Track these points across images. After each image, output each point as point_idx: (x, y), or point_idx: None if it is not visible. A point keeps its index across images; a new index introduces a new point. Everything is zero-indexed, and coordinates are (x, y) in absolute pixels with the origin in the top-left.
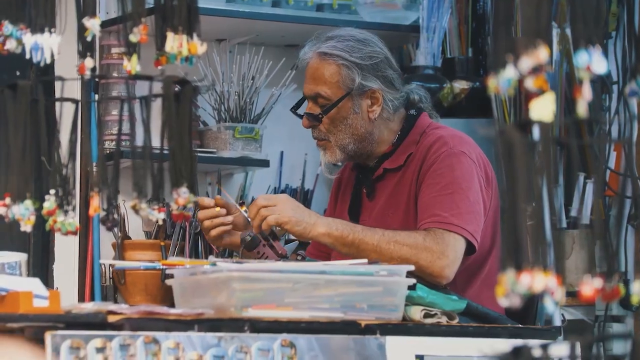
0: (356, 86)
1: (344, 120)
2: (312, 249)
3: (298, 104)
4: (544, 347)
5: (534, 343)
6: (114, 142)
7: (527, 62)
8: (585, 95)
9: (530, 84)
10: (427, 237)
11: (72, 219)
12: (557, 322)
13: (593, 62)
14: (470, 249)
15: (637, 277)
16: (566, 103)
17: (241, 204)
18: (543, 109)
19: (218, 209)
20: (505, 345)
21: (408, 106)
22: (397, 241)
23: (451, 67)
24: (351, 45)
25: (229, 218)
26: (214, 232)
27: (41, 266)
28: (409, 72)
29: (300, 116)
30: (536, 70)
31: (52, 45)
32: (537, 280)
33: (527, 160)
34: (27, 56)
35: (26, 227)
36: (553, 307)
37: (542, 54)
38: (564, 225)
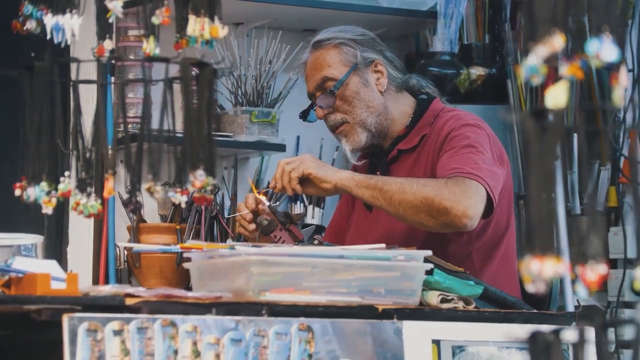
0: (359, 60)
1: (356, 95)
2: (327, 235)
3: (306, 111)
4: (556, 333)
5: (547, 328)
6: (130, 125)
7: (542, 51)
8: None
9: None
10: (449, 181)
11: (95, 202)
12: (571, 307)
13: (603, 49)
14: (488, 209)
15: (638, 263)
16: (581, 91)
17: (264, 193)
18: (558, 96)
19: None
20: (519, 330)
21: (416, 93)
22: (420, 183)
23: (468, 53)
24: (342, 28)
25: (250, 227)
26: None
27: (55, 249)
28: (425, 58)
29: (312, 113)
30: (551, 59)
31: (73, 26)
32: (547, 266)
33: (545, 147)
34: (48, 37)
35: (47, 209)
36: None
37: (557, 42)
38: (578, 211)
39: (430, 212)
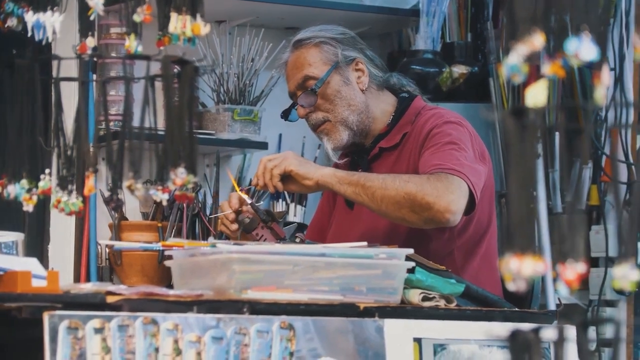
0: (340, 58)
1: (337, 94)
2: (309, 233)
3: (288, 111)
4: (536, 331)
5: (527, 327)
6: (112, 123)
7: (523, 49)
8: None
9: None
10: (431, 177)
11: (76, 199)
12: (552, 305)
13: (582, 48)
14: (470, 206)
15: (619, 262)
16: (563, 89)
17: (247, 191)
18: (537, 95)
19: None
20: (500, 329)
21: (397, 92)
22: (403, 178)
23: (450, 51)
24: (323, 27)
25: (232, 227)
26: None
27: (36, 246)
28: (408, 56)
29: (293, 112)
30: (532, 57)
31: (54, 24)
32: (526, 264)
33: (525, 146)
34: (29, 34)
35: (28, 206)
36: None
37: (537, 41)
38: (560, 210)
39: (413, 207)
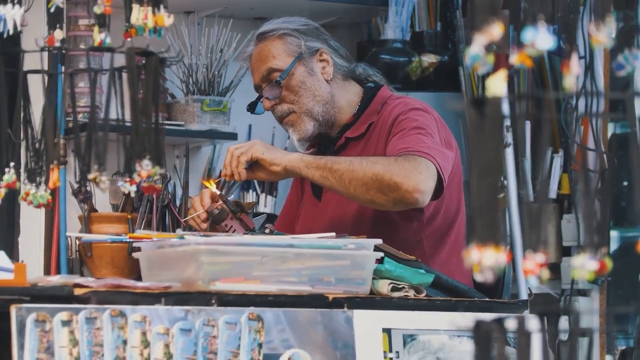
0: (304, 49)
1: (302, 85)
2: (278, 225)
3: (254, 104)
4: (499, 321)
5: (490, 317)
6: (81, 115)
7: (482, 39)
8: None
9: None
10: (399, 158)
11: (44, 192)
12: (524, 295)
13: (538, 38)
14: (438, 189)
15: (580, 252)
16: (534, 78)
17: (217, 182)
18: (497, 85)
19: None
20: (469, 319)
21: (363, 82)
22: (370, 160)
23: (420, 40)
24: (285, 19)
25: (203, 226)
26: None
27: (6, 239)
28: (377, 46)
29: (259, 105)
30: (491, 47)
31: (15, 17)
32: (487, 255)
33: (485, 135)
34: None
35: None
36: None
37: (495, 31)
38: (531, 199)
39: (381, 188)
